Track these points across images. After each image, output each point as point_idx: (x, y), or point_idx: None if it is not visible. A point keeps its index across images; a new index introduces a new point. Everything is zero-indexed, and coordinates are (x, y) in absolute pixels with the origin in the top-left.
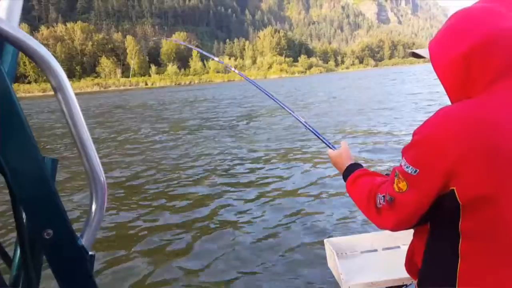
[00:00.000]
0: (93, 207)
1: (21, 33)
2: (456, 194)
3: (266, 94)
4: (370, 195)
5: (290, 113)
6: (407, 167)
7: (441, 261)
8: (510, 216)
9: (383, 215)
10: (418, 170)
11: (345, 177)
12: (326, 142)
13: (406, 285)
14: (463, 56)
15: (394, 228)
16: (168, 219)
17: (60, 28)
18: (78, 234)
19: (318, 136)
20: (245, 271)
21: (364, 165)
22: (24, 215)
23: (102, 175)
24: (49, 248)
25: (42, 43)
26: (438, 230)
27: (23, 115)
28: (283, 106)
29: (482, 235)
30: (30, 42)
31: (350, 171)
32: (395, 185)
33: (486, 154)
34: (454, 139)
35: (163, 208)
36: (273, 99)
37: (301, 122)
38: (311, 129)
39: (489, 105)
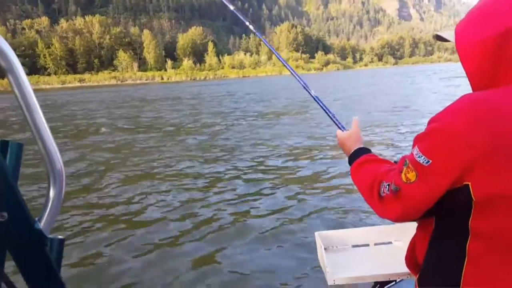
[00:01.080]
0: (51, 192)
1: None
2: (471, 189)
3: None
4: (374, 182)
5: (304, 86)
6: (419, 157)
7: (446, 259)
8: None
9: (386, 205)
10: (431, 161)
11: (350, 161)
12: (336, 121)
13: (395, 281)
14: (495, 39)
15: (397, 219)
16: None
17: (79, 21)
18: (36, 218)
19: (328, 114)
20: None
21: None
22: None
23: (59, 160)
24: (4, 231)
25: (63, 36)
26: (445, 226)
27: None
28: (300, 81)
29: (494, 235)
30: None
31: (357, 155)
32: (403, 175)
33: (510, 150)
34: (481, 130)
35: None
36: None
37: (311, 95)
38: (321, 104)
39: None
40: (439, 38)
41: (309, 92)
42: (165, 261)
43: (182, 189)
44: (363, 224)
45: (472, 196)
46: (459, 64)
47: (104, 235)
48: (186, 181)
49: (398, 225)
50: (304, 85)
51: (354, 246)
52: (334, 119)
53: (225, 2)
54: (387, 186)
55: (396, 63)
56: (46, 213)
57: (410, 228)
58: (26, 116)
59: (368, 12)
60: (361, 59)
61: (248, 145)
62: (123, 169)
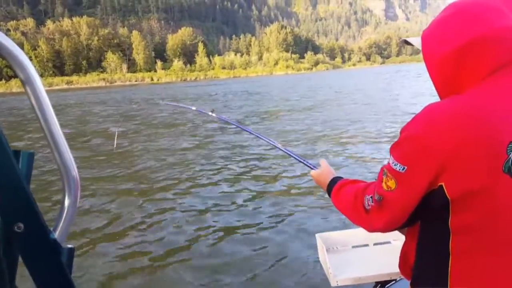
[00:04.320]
0: (66, 201)
1: None
2: (445, 189)
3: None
4: (357, 199)
5: (268, 142)
6: (395, 165)
7: (433, 259)
8: (500, 210)
9: (372, 216)
10: (406, 167)
11: (329, 192)
12: (306, 163)
13: (395, 280)
14: (458, 50)
15: (384, 229)
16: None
17: (66, 23)
18: (52, 228)
19: (298, 159)
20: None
21: None
22: None
23: (74, 169)
24: (20, 242)
25: (49, 38)
26: (428, 228)
27: None
28: (261, 137)
29: (472, 231)
30: None
31: (333, 184)
32: (383, 184)
33: (476, 148)
34: (442, 134)
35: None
36: (254, 133)
37: (279, 148)
38: (290, 153)
39: (478, 100)
40: (407, 43)
41: (276, 146)
42: None
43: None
44: None
45: (447, 196)
46: None
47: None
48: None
49: None
50: (269, 141)
51: (354, 246)
52: (304, 161)
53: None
54: (370, 198)
55: (383, 62)
56: (61, 222)
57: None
58: (42, 127)
59: (355, 12)
60: (349, 58)
61: None
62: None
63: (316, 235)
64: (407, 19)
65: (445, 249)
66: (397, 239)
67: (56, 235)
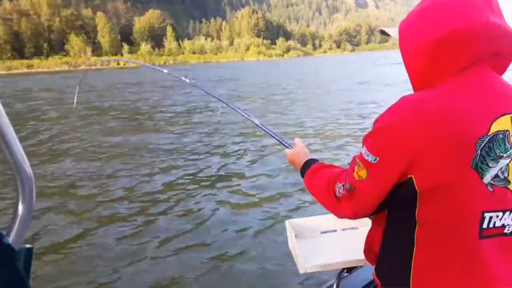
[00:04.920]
0: (20, 202)
1: None
2: (414, 181)
3: (215, 97)
4: (329, 185)
5: (244, 115)
6: (367, 155)
7: (398, 248)
8: (464, 205)
9: (342, 204)
10: (378, 158)
11: (302, 173)
12: (281, 141)
13: (361, 265)
14: (434, 43)
15: (353, 216)
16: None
17: (24, 2)
18: (5, 232)
19: (273, 136)
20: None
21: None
22: None
23: (28, 169)
24: None
25: (6, 18)
26: (395, 217)
27: None
28: (235, 109)
29: (437, 223)
30: None
31: (307, 166)
32: (355, 173)
33: (446, 143)
34: (415, 127)
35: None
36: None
37: (256, 123)
38: (266, 129)
39: (451, 94)
40: (383, 33)
41: (253, 121)
42: None
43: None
44: None
45: (416, 188)
46: None
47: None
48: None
49: None
50: (246, 115)
51: (323, 232)
52: (280, 139)
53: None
54: (342, 187)
55: (353, 50)
56: (16, 226)
57: None
58: None
59: None
60: (320, 45)
61: None
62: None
63: (286, 221)
64: (377, 7)
65: (410, 239)
66: (364, 225)
67: (10, 239)
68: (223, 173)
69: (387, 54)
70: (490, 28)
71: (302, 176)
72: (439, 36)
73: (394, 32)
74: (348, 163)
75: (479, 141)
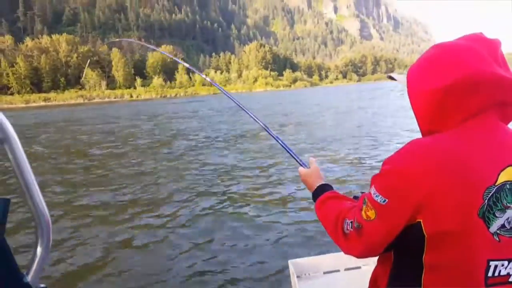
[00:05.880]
0: (39, 245)
1: None
2: (423, 226)
3: (243, 109)
4: (338, 219)
5: (265, 129)
6: (376, 196)
7: None
8: (472, 253)
9: (350, 241)
10: (387, 200)
11: (314, 197)
12: (297, 159)
13: None
14: (442, 90)
15: (360, 255)
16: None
17: (45, 40)
18: (25, 272)
19: (290, 153)
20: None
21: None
22: None
23: (46, 213)
24: None
25: (27, 55)
26: (403, 260)
27: None
28: (257, 120)
29: (444, 269)
30: None
31: (320, 191)
32: (363, 213)
33: (455, 190)
34: (426, 172)
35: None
36: (251, 115)
37: (273, 136)
38: (283, 145)
39: (459, 142)
40: (391, 78)
41: (269, 133)
42: None
43: None
44: None
45: (424, 232)
46: None
47: None
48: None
49: None
50: (263, 126)
51: (325, 272)
52: (295, 156)
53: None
54: (350, 224)
55: (359, 80)
56: (34, 265)
57: None
58: (17, 177)
59: (331, 32)
60: (326, 76)
61: None
62: None
63: (289, 261)
64: (381, 38)
65: (417, 283)
66: (367, 264)
67: (29, 278)
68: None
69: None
70: (495, 79)
71: (313, 200)
72: (445, 84)
73: (402, 78)
74: (355, 195)
75: (486, 191)
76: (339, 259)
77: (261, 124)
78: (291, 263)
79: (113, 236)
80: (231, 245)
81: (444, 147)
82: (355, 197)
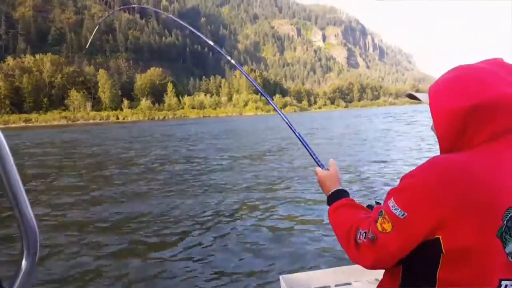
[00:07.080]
0: (24, 256)
1: None
2: (442, 242)
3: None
4: (352, 228)
5: (289, 126)
6: (395, 209)
7: None
8: (486, 272)
9: (362, 252)
10: (406, 214)
11: (329, 201)
12: (316, 159)
13: None
14: (465, 111)
15: (371, 267)
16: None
17: (28, 59)
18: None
19: (309, 152)
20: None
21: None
22: None
23: (33, 222)
24: None
25: (8, 74)
26: (414, 274)
27: None
28: (282, 115)
29: (458, 286)
30: None
31: (336, 197)
32: (378, 224)
33: (477, 209)
34: (447, 189)
35: None
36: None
37: (295, 133)
38: (304, 142)
39: (481, 161)
40: (412, 97)
41: (293, 131)
42: None
43: None
44: None
45: (442, 249)
46: (402, 107)
47: None
48: None
49: (356, 266)
50: (289, 123)
51: None
52: (314, 156)
53: (203, 37)
54: (364, 234)
55: (346, 106)
56: (19, 279)
57: (367, 269)
58: (5, 187)
59: (320, 59)
60: (315, 102)
61: None
62: None
63: (280, 276)
64: (367, 66)
65: None
66: (358, 281)
67: None
68: None
69: (382, 110)
70: None
71: (328, 204)
72: (471, 103)
73: (424, 97)
74: (369, 204)
75: (506, 212)
76: (329, 275)
77: (293, 129)
78: (282, 278)
79: None
80: None
81: (466, 165)
82: (369, 206)
